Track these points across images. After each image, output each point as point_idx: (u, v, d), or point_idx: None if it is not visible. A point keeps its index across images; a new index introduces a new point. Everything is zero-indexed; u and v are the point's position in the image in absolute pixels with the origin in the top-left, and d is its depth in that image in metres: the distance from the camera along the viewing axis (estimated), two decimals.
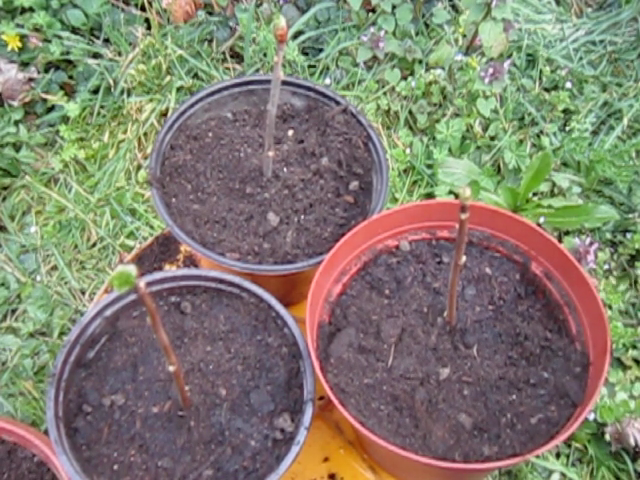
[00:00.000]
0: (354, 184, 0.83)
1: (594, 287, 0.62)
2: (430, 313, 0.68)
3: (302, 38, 1.52)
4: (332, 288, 0.72)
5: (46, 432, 0.90)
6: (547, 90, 1.52)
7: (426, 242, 0.73)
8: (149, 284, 0.72)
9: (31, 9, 1.47)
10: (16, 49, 1.41)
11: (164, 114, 1.42)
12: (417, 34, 1.55)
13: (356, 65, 1.49)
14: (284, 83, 0.84)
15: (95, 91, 1.46)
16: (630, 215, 1.34)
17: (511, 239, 0.70)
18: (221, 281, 0.72)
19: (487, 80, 1.36)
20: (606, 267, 1.27)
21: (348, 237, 0.70)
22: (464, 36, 1.52)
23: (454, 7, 1.63)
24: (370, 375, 0.65)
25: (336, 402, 0.60)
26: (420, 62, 1.49)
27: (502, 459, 0.59)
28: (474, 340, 0.66)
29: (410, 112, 1.45)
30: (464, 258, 0.58)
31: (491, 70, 1.36)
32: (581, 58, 1.58)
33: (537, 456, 0.99)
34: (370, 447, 0.81)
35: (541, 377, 0.64)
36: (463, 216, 0.51)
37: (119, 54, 1.48)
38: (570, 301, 0.65)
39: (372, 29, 1.47)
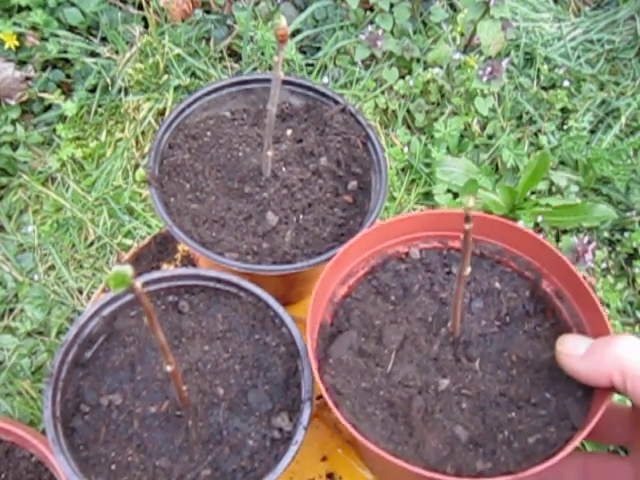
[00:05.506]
0: (353, 184, 0.83)
1: (605, 314, 0.60)
2: (434, 323, 0.67)
3: (300, 37, 1.52)
4: (337, 289, 0.70)
5: (44, 432, 0.90)
6: (545, 89, 1.52)
7: (437, 251, 0.72)
8: (146, 283, 0.71)
9: (28, 7, 1.47)
10: (13, 48, 1.41)
11: (161, 113, 1.42)
12: (415, 33, 1.55)
13: (354, 64, 1.49)
14: (283, 82, 0.83)
15: (92, 90, 1.45)
16: (628, 214, 1.34)
17: (524, 255, 0.68)
18: (219, 280, 0.72)
19: (485, 79, 1.36)
20: (604, 266, 1.27)
21: (357, 239, 0.68)
22: (462, 35, 1.52)
23: (452, 6, 1.63)
24: (368, 379, 0.63)
25: (330, 403, 0.59)
26: (418, 61, 1.49)
27: (495, 476, 0.56)
28: (477, 354, 0.64)
29: (408, 111, 1.45)
30: (469, 269, 0.57)
31: (489, 69, 1.36)
32: (579, 57, 1.58)
33: None
34: (362, 451, 0.80)
35: (543, 397, 0.62)
36: (467, 226, 0.51)
37: (116, 53, 1.48)
38: (580, 323, 0.64)
39: (370, 27, 1.46)
